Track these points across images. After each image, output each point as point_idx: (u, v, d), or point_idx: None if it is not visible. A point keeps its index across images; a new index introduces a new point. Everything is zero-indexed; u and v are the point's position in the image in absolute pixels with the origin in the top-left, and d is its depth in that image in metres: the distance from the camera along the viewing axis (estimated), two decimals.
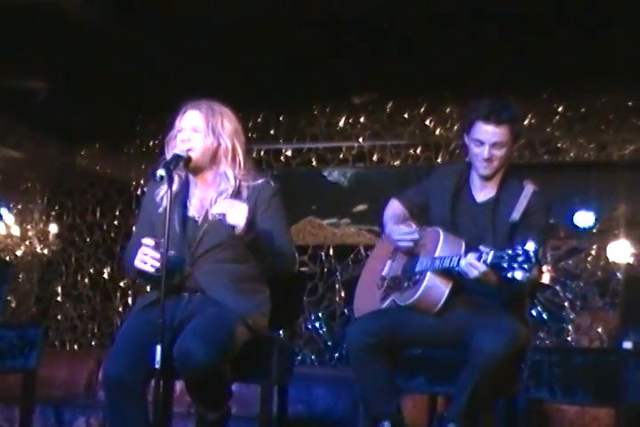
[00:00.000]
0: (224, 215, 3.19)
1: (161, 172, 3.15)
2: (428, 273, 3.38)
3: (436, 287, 3.38)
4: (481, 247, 3.17)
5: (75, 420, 5.41)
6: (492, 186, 3.53)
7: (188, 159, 3.30)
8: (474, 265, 3.16)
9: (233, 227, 3.20)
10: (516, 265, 3.02)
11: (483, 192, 3.55)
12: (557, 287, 6.21)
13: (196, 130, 3.37)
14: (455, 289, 3.39)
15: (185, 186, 3.45)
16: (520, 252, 3.01)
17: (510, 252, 3.04)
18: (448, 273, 3.36)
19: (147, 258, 3.20)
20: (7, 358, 3.97)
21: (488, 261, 3.11)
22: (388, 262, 3.70)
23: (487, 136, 3.42)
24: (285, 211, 3.49)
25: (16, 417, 4.69)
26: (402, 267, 3.58)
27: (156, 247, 3.19)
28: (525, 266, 3.01)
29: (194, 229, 3.37)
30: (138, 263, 3.22)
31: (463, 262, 3.21)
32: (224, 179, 3.39)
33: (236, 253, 3.35)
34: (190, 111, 3.40)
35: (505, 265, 3.05)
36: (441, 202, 3.58)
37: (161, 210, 3.34)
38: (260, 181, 3.43)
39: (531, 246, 3.00)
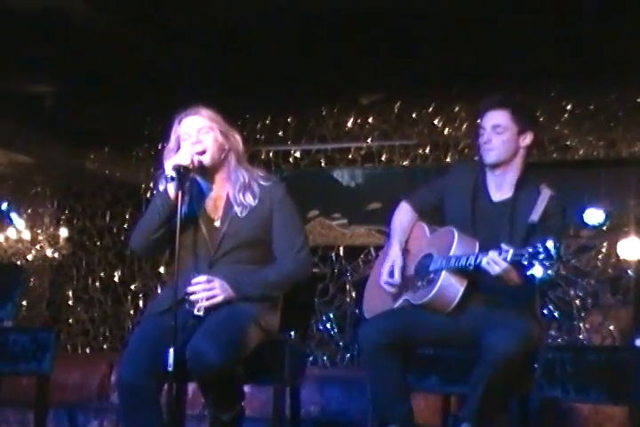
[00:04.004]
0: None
1: (171, 173, 3.18)
2: (444, 272, 3.38)
3: (450, 286, 3.38)
4: (502, 245, 3.17)
5: (88, 423, 5.42)
6: (509, 186, 3.53)
7: (191, 167, 3.30)
8: (496, 261, 3.17)
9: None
10: (536, 262, 3.03)
11: (499, 192, 3.55)
12: (568, 285, 6.20)
13: (204, 131, 3.37)
14: (469, 288, 3.39)
15: (196, 191, 3.45)
16: (541, 249, 3.02)
17: (531, 249, 3.05)
18: (463, 272, 3.36)
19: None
20: (21, 361, 3.97)
21: (508, 258, 3.12)
22: None
23: (488, 119, 3.50)
24: (298, 210, 3.51)
25: (30, 421, 4.71)
26: (414, 266, 3.58)
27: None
28: (547, 263, 3.02)
29: (212, 231, 3.38)
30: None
31: (484, 260, 3.21)
32: (239, 173, 3.40)
33: (254, 253, 3.38)
34: (189, 117, 3.40)
35: (525, 262, 3.06)
36: (459, 200, 3.57)
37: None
38: (270, 183, 3.44)
39: (550, 244, 3.02)
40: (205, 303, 3.25)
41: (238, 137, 3.46)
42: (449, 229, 3.50)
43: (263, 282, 3.34)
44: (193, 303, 3.26)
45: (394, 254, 3.61)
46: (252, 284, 3.32)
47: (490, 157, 3.51)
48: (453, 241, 3.41)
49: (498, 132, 3.47)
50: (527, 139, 3.50)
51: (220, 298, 3.26)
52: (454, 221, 3.54)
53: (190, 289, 3.25)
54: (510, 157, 3.51)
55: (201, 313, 3.25)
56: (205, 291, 3.25)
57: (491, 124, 3.48)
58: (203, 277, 3.27)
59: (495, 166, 3.52)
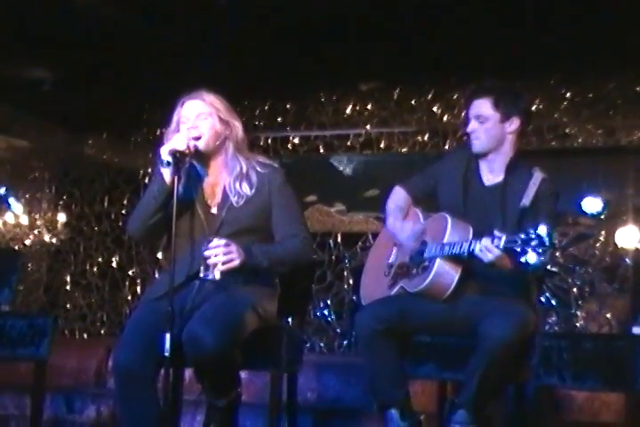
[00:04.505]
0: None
1: (167, 158, 3.17)
2: (438, 259, 3.38)
3: (445, 273, 3.39)
4: (495, 232, 3.17)
5: (85, 408, 5.42)
6: (500, 170, 3.55)
7: (187, 152, 3.27)
8: (489, 249, 3.17)
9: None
10: (529, 249, 3.02)
11: (491, 176, 3.57)
12: (566, 273, 6.20)
13: (203, 116, 3.35)
14: (464, 275, 3.39)
15: (193, 176, 3.44)
16: (533, 235, 3.02)
17: (523, 236, 3.04)
18: (457, 259, 3.36)
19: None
20: (18, 346, 3.98)
21: (501, 245, 3.12)
22: (394, 249, 3.69)
23: (472, 109, 3.55)
24: (297, 197, 3.52)
25: (27, 405, 4.71)
26: (409, 253, 3.58)
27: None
28: (539, 249, 3.01)
29: (209, 217, 3.37)
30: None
31: (477, 247, 3.21)
32: (236, 161, 3.39)
33: (252, 240, 3.36)
34: (191, 101, 3.38)
35: (518, 249, 3.06)
36: (452, 186, 3.59)
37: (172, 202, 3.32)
38: (268, 169, 3.43)
39: (543, 230, 3.01)
40: (222, 268, 3.17)
41: (238, 125, 3.43)
42: (442, 215, 3.51)
43: (270, 254, 3.31)
44: (208, 267, 3.17)
45: (392, 223, 3.65)
46: (263, 253, 3.29)
47: (476, 145, 3.55)
48: (447, 227, 3.42)
49: (481, 121, 3.51)
50: (513, 125, 3.52)
51: (236, 262, 3.19)
52: (447, 206, 3.56)
53: (207, 253, 3.17)
54: (497, 144, 3.53)
55: (217, 278, 3.17)
56: (223, 255, 3.18)
57: (474, 113, 3.53)
58: (221, 241, 3.19)
59: (484, 154, 3.54)
